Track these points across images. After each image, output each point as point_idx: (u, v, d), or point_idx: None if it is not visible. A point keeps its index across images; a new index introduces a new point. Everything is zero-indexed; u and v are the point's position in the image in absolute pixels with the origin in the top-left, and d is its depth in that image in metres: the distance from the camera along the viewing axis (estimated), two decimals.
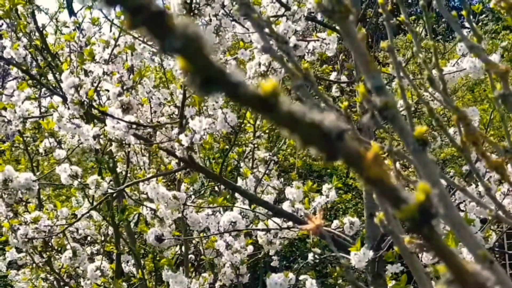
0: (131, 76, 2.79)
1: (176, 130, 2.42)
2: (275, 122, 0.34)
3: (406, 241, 0.81)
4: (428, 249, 0.39)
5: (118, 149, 2.29)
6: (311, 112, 0.34)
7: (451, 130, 2.17)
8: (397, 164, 1.04)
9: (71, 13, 3.66)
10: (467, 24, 1.07)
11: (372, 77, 0.58)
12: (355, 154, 0.36)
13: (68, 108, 2.29)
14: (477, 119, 2.74)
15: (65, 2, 3.69)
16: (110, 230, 3.57)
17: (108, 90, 2.57)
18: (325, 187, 2.94)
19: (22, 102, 2.70)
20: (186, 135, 2.22)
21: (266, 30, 0.82)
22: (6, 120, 2.72)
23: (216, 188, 3.91)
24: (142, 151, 3.52)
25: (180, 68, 0.31)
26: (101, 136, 2.29)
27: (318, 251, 2.82)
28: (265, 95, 0.32)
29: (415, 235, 0.84)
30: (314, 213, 2.72)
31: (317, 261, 2.88)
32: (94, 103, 2.35)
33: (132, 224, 3.66)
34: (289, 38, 2.27)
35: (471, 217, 2.05)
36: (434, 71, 1.08)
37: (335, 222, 2.85)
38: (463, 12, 1.10)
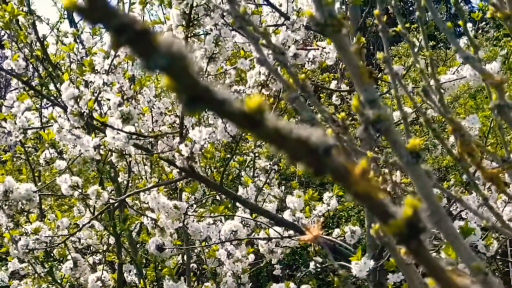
0: (132, 86, 2.80)
1: (177, 139, 2.43)
2: (262, 139, 0.34)
3: (402, 252, 0.81)
4: (417, 262, 0.39)
5: (118, 159, 2.29)
6: (298, 128, 0.34)
7: (451, 139, 2.18)
8: (398, 172, 1.04)
9: (72, 23, 3.68)
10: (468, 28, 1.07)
11: (365, 90, 0.58)
12: (342, 170, 0.36)
13: (69, 119, 2.29)
14: (477, 127, 2.74)
15: (65, 12, 3.71)
16: (112, 240, 3.57)
17: (109, 99, 2.58)
18: (326, 195, 2.94)
19: (22, 113, 2.71)
20: (186, 145, 2.23)
21: (263, 41, 0.83)
22: (6, 131, 2.73)
23: (218, 197, 3.91)
24: (144, 160, 3.52)
25: (165, 86, 0.32)
26: (102, 147, 2.29)
27: (320, 259, 2.81)
28: (251, 112, 0.33)
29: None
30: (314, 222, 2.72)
31: (319, 269, 2.88)
32: (95, 113, 2.35)
33: (134, 234, 3.66)
34: (289, 47, 2.27)
35: (471, 225, 2.04)
36: (432, 82, 1.08)
37: (336, 231, 2.85)
38: (460, 22, 1.10)
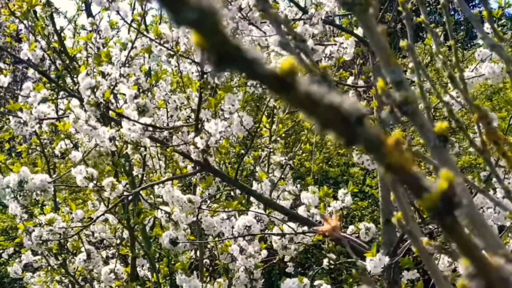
0: (148, 79, 2.79)
1: (192, 135, 2.42)
2: (292, 103, 0.32)
3: (424, 242, 0.79)
4: (450, 240, 0.37)
5: (134, 151, 2.28)
6: (330, 94, 0.33)
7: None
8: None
9: (89, 15, 3.67)
10: (486, 30, 1.05)
11: (392, 72, 0.57)
12: (376, 140, 0.34)
13: (85, 110, 2.29)
14: (495, 124, 2.71)
15: (83, 4, 3.70)
16: (126, 234, 3.57)
17: (125, 94, 2.57)
18: (340, 192, 2.92)
19: (38, 104, 2.70)
20: (201, 138, 2.22)
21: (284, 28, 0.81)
22: (22, 121, 2.73)
23: (232, 193, 3.90)
24: (158, 155, 3.52)
25: (194, 43, 0.30)
26: (117, 139, 2.29)
27: (334, 256, 2.79)
28: (282, 74, 0.31)
29: (433, 239, 0.81)
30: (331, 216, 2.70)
31: (332, 267, 2.86)
32: (110, 106, 2.35)
33: (147, 228, 3.65)
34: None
35: (489, 223, 2.02)
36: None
37: (351, 228, 2.82)
38: (484, 13, 1.08)
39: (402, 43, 0.95)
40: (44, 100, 2.77)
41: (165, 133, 2.53)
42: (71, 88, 3.29)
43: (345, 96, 0.34)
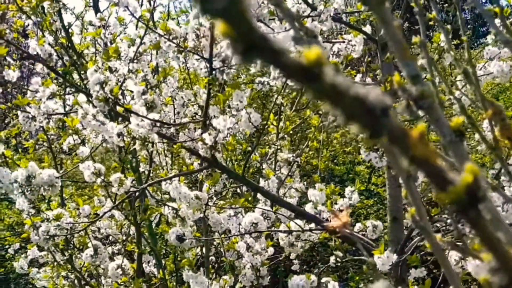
0: (156, 75, 2.79)
1: (199, 131, 2.42)
2: (318, 94, 0.32)
3: (438, 238, 0.79)
4: (474, 233, 0.37)
5: (141, 147, 2.28)
6: (355, 86, 0.33)
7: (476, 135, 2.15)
8: None
9: (97, 11, 3.67)
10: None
11: (407, 65, 0.57)
12: (400, 132, 0.34)
13: (93, 106, 2.29)
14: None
15: (91, 0, 3.71)
16: (132, 230, 3.57)
17: (132, 91, 2.57)
18: (348, 189, 2.92)
19: (47, 99, 2.71)
20: (209, 134, 2.21)
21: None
22: (30, 116, 2.73)
23: (238, 191, 3.90)
24: (165, 151, 3.52)
25: (220, 33, 0.30)
26: (125, 134, 2.29)
27: (340, 254, 2.79)
28: (309, 64, 0.31)
29: (446, 234, 0.81)
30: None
31: (339, 264, 2.86)
32: (118, 101, 2.35)
33: (153, 225, 3.65)
34: None
35: None
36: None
37: (358, 225, 2.82)
38: (496, 9, 1.08)
39: (415, 39, 0.95)
40: (51, 96, 2.77)
41: (172, 129, 2.54)
42: (78, 83, 3.29)
43: (370, 88, 0.33)
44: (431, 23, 1.26)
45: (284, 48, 0.30)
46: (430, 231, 0.74)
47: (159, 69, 3.08)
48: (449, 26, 1.15)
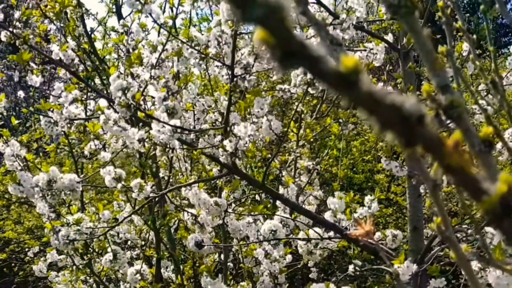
0: (176, 82, 2.80)
1: (218, 138, 2.42)
2: (354, 102, 0.32)
3: (464, 248, 0.78)
4: (507, 244, 0.36)
5: (162, 153, 2.29)
6: (391, 94, 0.33)
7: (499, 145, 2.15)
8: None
9: (120, 17, 3.70)
10: None
11: (437, 75, 0.56)
12: (435, 141, 0.34)
13: (115, 111, 2.30)
14: None
15: (114, 6, 3.73)
16: (151, 235, 3.57)
17: (153, 97, 2.58)
18: (367, 198, 2.90)
19: (70, 104, 2.73)
20: (230, 141, 2.22)
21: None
22: (52, 121, 2.75)
23: (257, 197, 3.90)
24: (184, 157, 3.52)
25: (259, 39, 0.30)
26: (146, 140, 2.29)
27: (359, 263, 2.78)
28: (347, 72, 0.31)
29: (470, 244, 0.81)
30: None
31: (358, 273, 2.85)
32: (140, 107, 2.36)
33: (172, 230, 3.66)
34: None
35: None
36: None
37: (377, 234, 2.80)
38: None
39: (441, 48, 0.95)
40: (75, 100, 2.80)
41: (192, 135, 2.54)
42: (100, 89, 3.31)
43: (406, 96, 0.33)
44: (453, 32, 1.25)
45: (322, 56, 0.31)
46: (456, 242, 0.74)
47: (180, 75, 3.09)
48: (474, 36, 1.15)
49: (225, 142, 2.24)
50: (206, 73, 2.96)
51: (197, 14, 4.92)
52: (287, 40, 0.30)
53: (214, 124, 3.10)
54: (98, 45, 3.66)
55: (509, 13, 0.94)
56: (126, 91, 2.13)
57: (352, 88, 0.31)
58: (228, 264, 3.59)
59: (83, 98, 2.98)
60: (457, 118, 0.54)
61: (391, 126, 0.33)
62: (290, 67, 0.31)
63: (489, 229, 2.02)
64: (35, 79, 2.85)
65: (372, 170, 6.53)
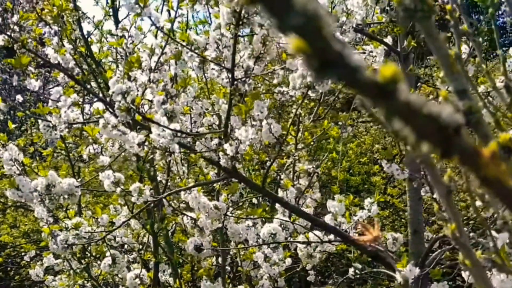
0: (174, 85, 2.78)
1: (215, 141, 2.41)
2: (390, 112, 0.31)
3: (478, 254, 0.78)
4: None
5: (162, 157, 2.28)
6: (429, 103, 0.32)
7: None
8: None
9: (117, 21, 3.68)
10: None
11: (455, 80, 0.56)
12: (472, 151, 0.33)
13: (115, 115, 2.28)
14: None
15: (111, 10, 3.71)
16: (148, 239, 3.56)
17: (151, 101, 2.57)
18: (367, 201, 2.89)
19: (68, 108, 2.71)
20: (231, 145, 2.21)
21: None
22: (51, 125, 2.74)
23: (255, 200, 3.89)
24: (182, 161, 3.51)
25: (295, 49, 0.29)
26: (146, 144, 2.28)
27: (359, 266, 2.77)
28: (384, 82, 0.30)
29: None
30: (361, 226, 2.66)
31: (357, 276, 2.84)
32: (140, 111, 2.34)
33: (169, 234, 3.65)
34: None
35: None
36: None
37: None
38: None
39: (451, 51, 0.94)
40: (73, 104, 2.79)
41: (188, 139, 2.53)
42: (97, 92, 3.30)
43: (443, 105, 0.32)
44: (461, 35, 1.24)
45: (360, 65, 0.30)
46: (470, 248, 0.73)
47: (178, 78, 3.08)
48: (480, 39, 1.14)
49: (226, 145, 2.23)
50: (203, 77, 2.95)
51: (193, 17, 4.91)
52: (325, 50, 0.29)
53: (210, 127, 3.09)
54: (94, 48, 3.65)
55: None
56: (125, 95, 2.11)
57: (390, 98, 0.30)
58: (226, 267, 3.58)
59: (79, 102, 2.97)
60: (475, 124, 0.54)
61: (427, 136, 0.32)
62: (327, 77, 0.30)
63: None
64: (33, 83, 2.84)
65: (369, 172, 6.52)
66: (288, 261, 2.99)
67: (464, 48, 2.51)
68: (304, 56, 0.29)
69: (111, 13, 3.72)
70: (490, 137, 0.55)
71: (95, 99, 3.05)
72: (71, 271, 3.60)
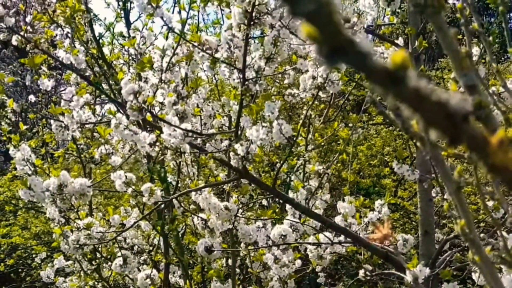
0: (185, 86, 2.80)
1: (226, 142, 2.41)
2: (400, 98, 0.32)
3: (487, 251, 0.78)
4: None
5: (173, 157, 2.29)
6: (438, 90, 0.32)
7: None
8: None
9: (128, 22, 3.70)
10: None
11: (465, 75, 0.56)
12: (481, 138, 0.33)
13: (126, 115, 2.30)
14: None
15: (122, 12, 3.73)
16: (157, 240, 3.57)
17: (162, 103, 2.58)
18: (377, 203, 2.89)
19: (81, 108, 2.73)
20: (241, 145, 2.21)
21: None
22: (63, 125, 2.76)
23: (265, 202, 3.89)
24: (192, 162, 3.52)
25: (305, 35, 0.30)
26: (157, 144, 2.29)
27: (370, 267, 2.76)
28: (394, 68, 0.31)
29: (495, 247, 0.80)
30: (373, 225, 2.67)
31: (368, 278, 2.83)
32: (152, 111, 2.35)
33: (179, 235, 3.65)
34: None
35: None
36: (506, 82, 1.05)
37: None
38: None
39: (462, 49, 0.94)
40: (85, 104, 2.80)
41: (199, 140, 2.53)
42: (108, 93, 3.31)
43: (452, 93, 0.33)
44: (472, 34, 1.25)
45: (370, 52, 0.30)
46: (480, 244, 0.73)
47: (188, 79, 3.09)
48: (491, 39, 1.14)
49: (236, 146, 2.23)
50: (213, 78, 2.96)
51: (203, 19, 4.91)
52: (335, 36, 0.29)
53: (220, 128, 3.10)
54: (106, 49, 3.67)
55: None
56: (137, 95, 2.12)
57: (399, 84, 0.31)
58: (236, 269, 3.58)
59: (91, 103, 2.98)
60: (485, 119, 0.54)
61: (436, 123, 0.32)
62: (337, 63, 0.30)
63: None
64: (46, 83, 2.86)
65: (379, 174, 6.51)
66: (298, 262, 2.99)
67: (475, 50, 2.51)
68: (315, 43, 0.30)
69: (122, 15, 3.74)
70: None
71: (107, 100, 3.06)
72: (82, 272, 3.61)
